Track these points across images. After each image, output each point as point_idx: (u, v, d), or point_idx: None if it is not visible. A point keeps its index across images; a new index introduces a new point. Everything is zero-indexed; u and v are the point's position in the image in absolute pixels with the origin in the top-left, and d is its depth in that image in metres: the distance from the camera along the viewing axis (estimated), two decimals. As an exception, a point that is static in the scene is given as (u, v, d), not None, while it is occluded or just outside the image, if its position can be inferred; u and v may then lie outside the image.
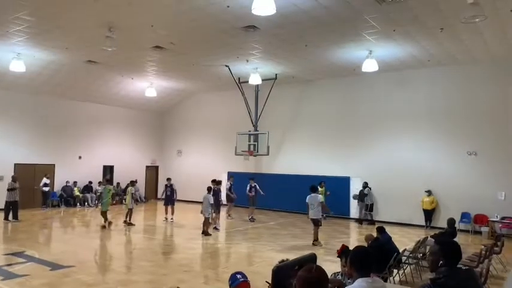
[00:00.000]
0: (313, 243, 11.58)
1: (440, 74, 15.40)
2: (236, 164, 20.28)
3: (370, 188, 16.32)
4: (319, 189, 16.71)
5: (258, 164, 19.93)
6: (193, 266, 9.51)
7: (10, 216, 14.99)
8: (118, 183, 21.67)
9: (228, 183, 17.09)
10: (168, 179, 16.93)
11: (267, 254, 10.66)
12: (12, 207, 15.08)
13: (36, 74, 16.20)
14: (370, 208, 16.35)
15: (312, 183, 16.69)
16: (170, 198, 16.14)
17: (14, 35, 12.29)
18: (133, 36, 12.40)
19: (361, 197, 16.66)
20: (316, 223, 11.79)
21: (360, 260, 2.90)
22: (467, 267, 3.34)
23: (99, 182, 19.15)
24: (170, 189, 16.29)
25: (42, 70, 16.10)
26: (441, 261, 3.11)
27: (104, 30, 11.44)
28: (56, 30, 11.90)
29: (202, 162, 22.03)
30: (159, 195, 19.85)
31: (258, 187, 16.61)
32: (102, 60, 15.26)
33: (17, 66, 14.06)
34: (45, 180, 18.28)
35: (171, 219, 15.77)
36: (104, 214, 14.18)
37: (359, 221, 16.30)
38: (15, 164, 17.89)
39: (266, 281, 3.10)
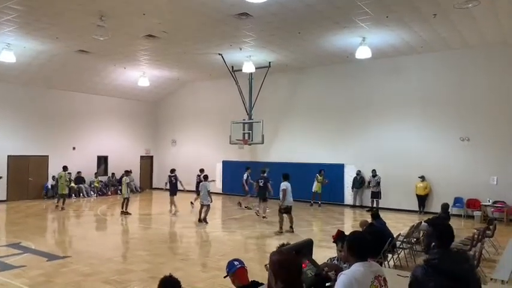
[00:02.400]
0: (287, 230, 11.57)
1: (433, 60, 15.43)
2: (231, 153, 20.29)
3: (379, 176, 16.00)
4: (319, 177, 16.82)
5: (253, 152, 19.95)
6: (189, 255, 9.57)
7: None
8: (113, 174, 21.64)
9: (246, 174, 16.63)
10: (172, 170, 16.26)
11: (263, 241, 10.75)
12: None
13: (27, 64, 15.99)
14: (379, 195, 16.01)
15: (307, 170, 16.88)
16: (174, 189, 15.66)
17: (3, 25, 12.09)
18: (125, 25, 12.25)
19: (356, 183, 16.81)
20: (290, 210, 11.74)
21: (357, 245, 2.94)
22: (459, 249, 3.40)
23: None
24: (175, 180, 15.78)
25: (33, 60, 15.89)
26: (433, 243, 3.16)
27: (95, 19, 11.30)
28: (46, 19, 11.71)
29: (196, 152, 22.01)
30: (158, 186, 19.56)
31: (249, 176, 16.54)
32: (93, 49, 15.08)
33: (7, 57, 13.87)
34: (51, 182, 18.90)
35: (174, 211, 15.33)
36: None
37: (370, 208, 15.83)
38: (8, 156, 17.78)
39: (265, 265, 3.15)
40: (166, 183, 16.08)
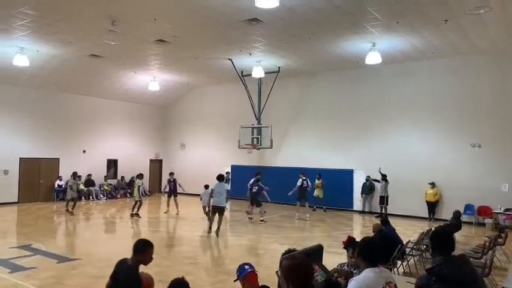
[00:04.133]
0: (215, 232, 11.61)
1: (444, 66, 15.34)
2: (239, 157, 20.33)
3: (387, 181, 15.88)
4: (316, 181, 16.71)
5: (261, 157, 19.97)
6: (197, 258, 9.58)
7: None
8: (122, 177, 21.79)
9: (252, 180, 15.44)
10: (171, 174, 17.03)
11: (271, 246, 10.73)
12: None
13: (40, 68, 16.22)
14: (385, 201, 15.90)
15: (315, 175, 16.87)
16: (174, 192, 16.43)
17: (17, 30, 12.30)
18: (136, 30, 12.39)
19: (366, 189, 16.73)
20: (222, 211, 11.77)
21: (368, 251, 2.94)
22: (460, 253, 3.38)
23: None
24: (173, 183, 16.51)
25: (45, 64, 16.11)
26: (434, 251, 3.16)
27: (106, 24, 11.44)
28: (59, 24, 11.90)
29: (205, 156, 22.08)
30: (162, 189, 19.85)
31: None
32: (105, 54, 15.26)
33: (21, 61, 14.08)
34: (58, 182, 19.07)
35: (176, 213, 15.83)
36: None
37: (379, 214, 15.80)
38: (20, 158, 18.00)
39: (276, 272, 3.15)
40: (165, 187, 16.55)
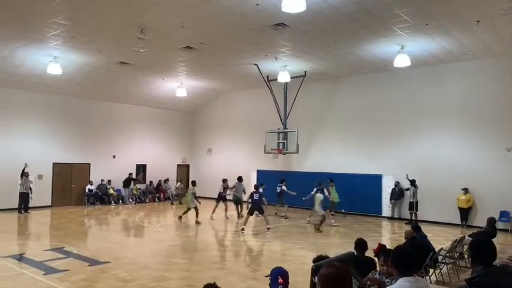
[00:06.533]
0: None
1: (476, 68, 14.87)
2: (265, 162, 20.30)
3: (417, 186, 15.52)
4: (329, 188, 16.39)
5: (288, 162, 19.89)
6: (225, 263, 9.61)
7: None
8: (151, 182, 22.16)
9: (283, 186, 16.83)
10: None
11: (298, 252, 10.63)
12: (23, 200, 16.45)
13: (72, 76, 16.74)
14: (415, 207, 15.54)
15: (344, 181, 16.75)
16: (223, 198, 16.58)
17: (51, 39, 12.75)
18: (164, 38, 12.62)
19: (395, 195, 16.38)
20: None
21: (403, 260, 2.86)
22: (502, 264, 3.24)
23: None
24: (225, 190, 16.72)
25: (77, 72, 16.63)
26: (475, 261, 3.03)
27: (136, 32, 11.71)
28: (90, 33, 12.26)
29: (231, 161, 22.18)
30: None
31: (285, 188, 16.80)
32: (134, 61, 15.62)
33: (54, 69, 14.57)
34: (89, 186, 19.62)
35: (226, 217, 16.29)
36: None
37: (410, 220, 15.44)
38: (53, 163, 18.59)
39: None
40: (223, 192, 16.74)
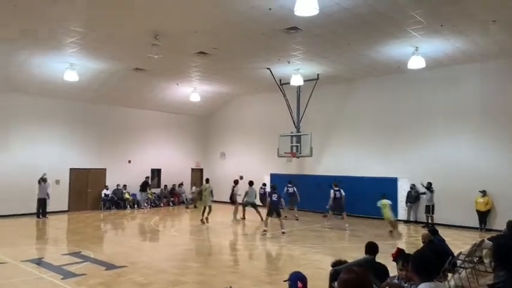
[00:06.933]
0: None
1: (492, 69, 14.62)
2: (278, 166, 20.28)
3: (433, 190, 15.31)
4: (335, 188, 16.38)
5: (301, 165, 19.82)
6: (240, 268, 9.60)
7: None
8: (165, 186, 22.33)
9: (293, 188, 17.31)
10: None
11: (314, 256, 10.57)
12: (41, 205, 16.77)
13: (88, 82, 16.99)
14: (431, 210, 15.31)
15: (358, 184, 16.63)
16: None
17: (67, 47, 12.99)
18: (178, 43, 12.74)
19: (410, 198, 16.18)
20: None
21: (423, 264, 2.81)
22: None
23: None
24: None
25: (93, 79, 16.87)
26: (496, 265, 2.96)
27: (150, 38, 11.85)
28: (106, 40, 12.46)
29: (245, 164, 22.20)
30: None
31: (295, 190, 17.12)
32: (148, 67, 15.80)
33: (71, 76, 14.81)
34: (105, 191, 19.88)
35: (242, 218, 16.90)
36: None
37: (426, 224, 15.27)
38: (70, 169, 18.88)
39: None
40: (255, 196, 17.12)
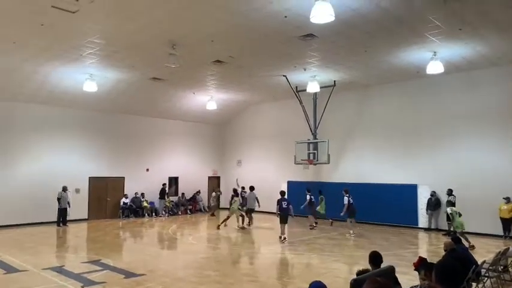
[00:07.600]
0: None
1: (514, 72, 14.32)
2: (295, 173, 20.19)
3: (454, 196, 14.85)
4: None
5: (318, 172, 19.68)
6: (257, 276, 9.54)
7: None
8: (183, 194, 22.44)
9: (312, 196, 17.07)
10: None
11: (333, 265, 10.44)
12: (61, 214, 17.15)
13: (107, 93, 17.29)
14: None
15: (377, 191, 16.46)
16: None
17: (86, 58, 13.26)
18: (194, 52, 12.87)
19: (431, 205, 15.85)
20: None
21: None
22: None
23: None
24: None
25: (112, 89, 17.16)
26: None
27: (167, 48, 12.00)
28: (124, 51, 12.67)
29: (261, 172, 22.18)
30: (225, 205, 20.12)
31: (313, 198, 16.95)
32: (165, 76, 15.99)
33: (90, 87, 15.08)
34: (124, 199, 20.12)
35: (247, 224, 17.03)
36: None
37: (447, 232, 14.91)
38: (89, 178, 19.17)
39: None
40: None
